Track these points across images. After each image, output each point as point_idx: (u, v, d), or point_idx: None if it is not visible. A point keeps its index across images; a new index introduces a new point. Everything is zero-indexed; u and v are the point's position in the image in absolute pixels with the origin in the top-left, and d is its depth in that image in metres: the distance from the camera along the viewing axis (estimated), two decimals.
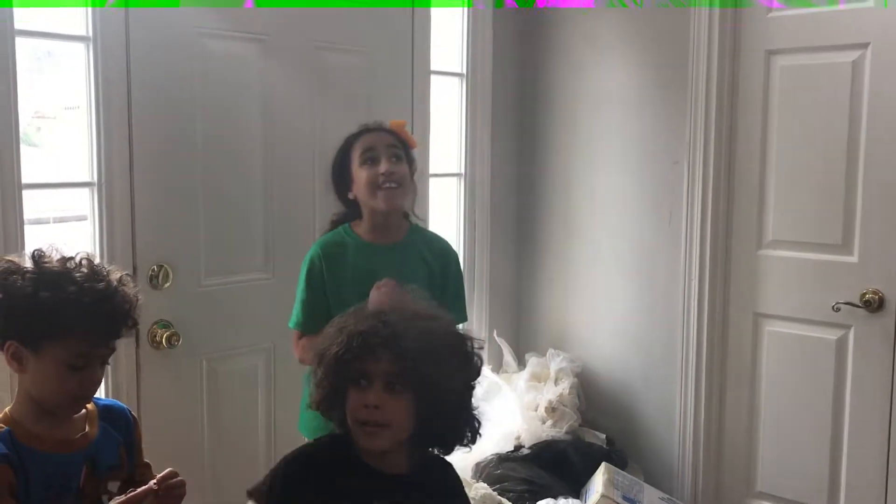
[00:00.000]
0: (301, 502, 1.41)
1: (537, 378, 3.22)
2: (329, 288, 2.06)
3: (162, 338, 2.40)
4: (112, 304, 1.47)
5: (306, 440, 2.21)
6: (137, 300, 1.54)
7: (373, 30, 2.84)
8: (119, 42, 2.28)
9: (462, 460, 2.91)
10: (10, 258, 1.49)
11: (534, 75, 3.37)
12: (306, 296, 2.08)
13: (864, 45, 2.63)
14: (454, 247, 3.19)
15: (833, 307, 2.71)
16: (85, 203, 2.32)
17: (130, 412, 1.66)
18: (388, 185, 2.03)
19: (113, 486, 1.55)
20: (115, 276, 1.51)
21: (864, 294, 2.66)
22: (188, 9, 2.38)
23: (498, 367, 3.35)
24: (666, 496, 2.91)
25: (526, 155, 3.42)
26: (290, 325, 2.12)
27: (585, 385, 3.23)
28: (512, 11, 3.28)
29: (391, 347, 1.34)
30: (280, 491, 1.44)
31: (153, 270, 2.39)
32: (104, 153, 2.28)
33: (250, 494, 1.47)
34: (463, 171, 3.25)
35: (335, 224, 2.17)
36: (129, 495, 1.44)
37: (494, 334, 3.34)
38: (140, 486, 1.46)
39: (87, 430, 1.53)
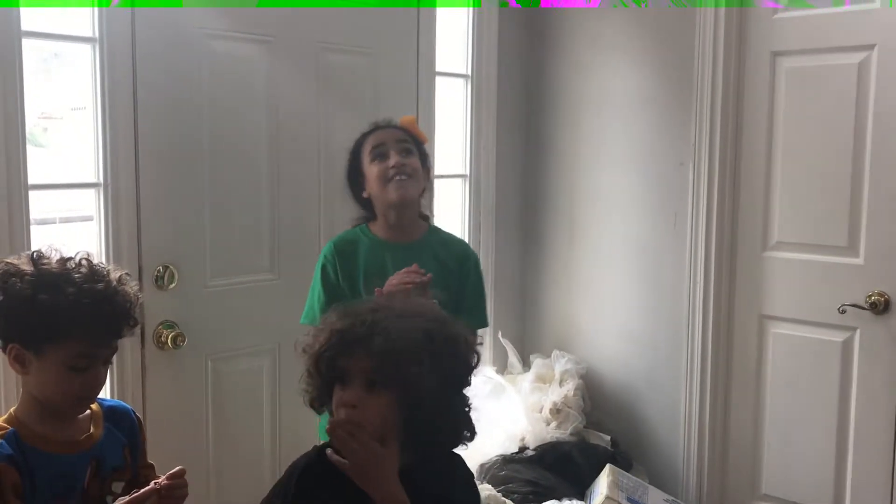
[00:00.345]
0: None
1: (542, 379, 3.22)
2: (343, 284, 2.06)
3: (167, 338, 2.40)
4: (112, 304, 1.47)
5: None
6: (138, 299, 1.53)
7: (378, 30, 2.85)
8: (125, 43, 2.28)
9: (467, 461, 2.91)
10: (9, 260, 1.49)
11: (539, 76, 3.37)
12: (320, 292, 2.08)
13: (871, 47, 2.62)
14: None
15: (839, 309, 2.70)
16: (91, 204, 2.32)
17: (135, 413, 1.66)
18: (398, 176, 2.03)
19: (117, 486, 1.55)
20: (115, 275, 1.51)
21: (870, 296, 2.65)
22: (194, 10, 2.38)
23: (502, 369, 3.34)
24: (671, 498, 2.90)
25: (531, 156, 3.42)
26: (302, 320, 2.10)
27: (590, 387, 3.23)
28: (517, 12, 3.28)
29: (367, 346, 1.34)
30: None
31: (158, 271, 2.39)
32: (110, 154, 2.29)
33: None
34: (468, 173, 3.25)
35: (354, 225, 2.17)
36: (132, 496, 1.44)
37: (499, 335, 3.33)
38: (144, 487, 1.47)
39: (91, 430, 1.54)
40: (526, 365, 3.34)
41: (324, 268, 2.09)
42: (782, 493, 2.91)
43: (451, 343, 1.41)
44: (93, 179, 2.30)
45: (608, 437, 3.12)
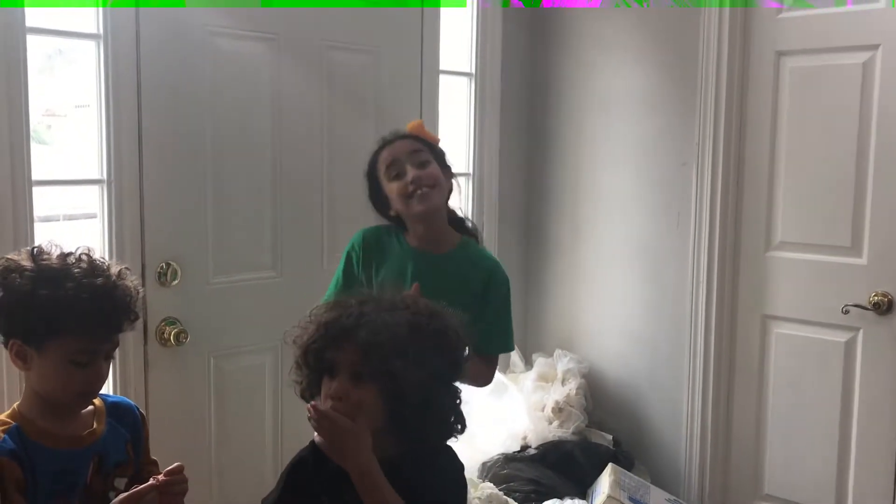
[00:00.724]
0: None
1: (544, 378, 3.22)
2: (362, 276, 2.02)
3: (170, 335, 2.40)
4: (112, 298, 1.47)
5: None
6: (138, 293, 1.53)
7: (382, 29, 2.85)
8: (129, 40, 2.29)
9: (469, 460, 2.92)
10: (9, 256, 1.49)
11: (543, 75, 3.37)
12: (339, 278, 2.05)
13: (875, 47, 2.62)
14: None
15: (842, 309, 2.70)
16: (94, 201, 2.33)
17: (138, 409, 1.66)
18: (419, 191, 1.94)
19: (120, 482, 1.55)
20: (115, 270, 1.51)
21: (873, 296, 2.65)
22: (198, 7, 2.38)
23: (505, 367, 3.34)
24: (672, 498, 2.90)
25: (534, 155, 3.42)
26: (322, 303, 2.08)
27: (592, 386, 3.22)
28: (521, 11, 3.28)
29: (353, 338, 1.35)
30: (289, 497, 1.46)
31: (162, 268, 2.40)
32: (114, 151, 2.29)
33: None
34: (471, 171, 3.25)
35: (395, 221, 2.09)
36: (132, 491, 1.44)
37: None
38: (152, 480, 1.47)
39: (94, 426, 1.54)
40: (528, 364, 3.34)
41: (348, 255, 2.06)
42: (784, 493, 2.91)
43: (439, 336, 1.41)
44: (96, 176, 2.31)
45: (610, 437, 3.12)
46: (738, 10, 2.83)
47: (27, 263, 1.46)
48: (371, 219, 2.10)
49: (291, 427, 2.70)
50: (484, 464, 2.93)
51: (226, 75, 2.48)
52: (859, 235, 2.69)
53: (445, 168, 2.03)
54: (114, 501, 1.44)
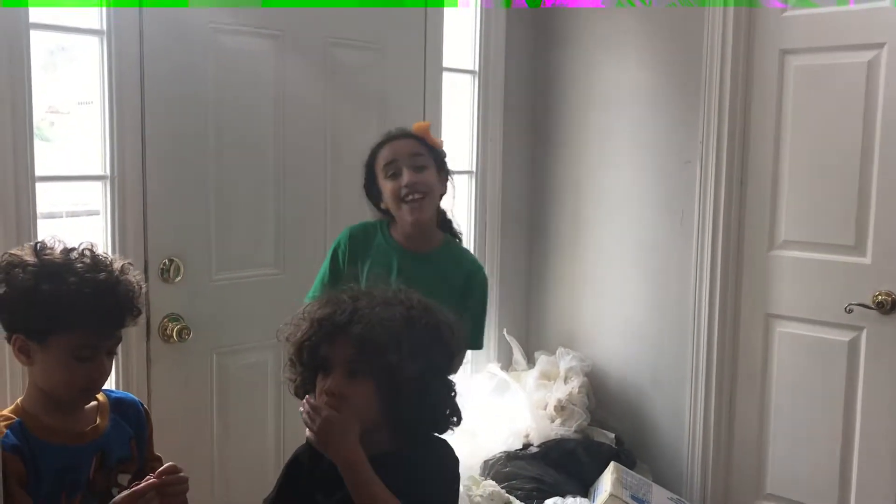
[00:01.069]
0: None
1: (547, 376, 3.21)
2: (348, 272, 2.06)
3: (172, 331, 2.40)
4: (115, 294, 1.47)
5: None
6: (141, 289, 1.53)
7: (386, 26, 2.84)
8: (133, 36, 2.28)
9: (471, 457, 2.92)
10: (13, 251, 1.49)
11: (546, 73, 3.36)
12: (326, 274, 2.10)
13: (880, 46, 2.61)
14: (465, 243, 3.21)
15: (845, 308, 2.69)
16: (97, 198, 2.32)
17: (142, 405, 1.66)
18: (411, 196, 1.99)
19: (123, 478, 1.55)
20: (118, 265, 1.51)
21: (877, 295, 2.64)
22: (202, 8, 2.38)
23: (507, 365, 3.34)
24: (675, 496, 2.90)
25: (537, 153, 3.41)
26: (306, 299, 2.09)
27: (595, 384, 3.22)
28: (525, 10, 3.27)
29: (347, 333, 1.36)
30: (286, 495, 1.47)
31: (164, 264, 2.40)
32: (117, 147, 2.29)
33: None
34: (474, 169, 3.24)
35: (379, 219, 2.15)
36: (132, 490, 1.44)
37: (504, 332, 3.33)
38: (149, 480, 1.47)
39: (97, 422, 1.54)
40: (531, 362, 3.34)
41: (334, 252, 2.11)
42: (787, 492, 2.90)
43: (433, 329, 1.42)
44: (100, 172, 2.31)
45: (612, 435, 3.12)
46: (742, 8, 2.82)
47: (30, 258, 1.46)
48: (371, 215, 2.15)
49: (294, 424, 2.68)
50: (486, 461, 2.93)
51: (229, 72, 2.48)
52: (863, 234, 2.68)
53: (443, 172, 2.08)
54: (114, 500, 1.44)
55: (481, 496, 2.71)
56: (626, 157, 3.15)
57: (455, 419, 1.46)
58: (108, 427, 1.55)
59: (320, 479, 1.42)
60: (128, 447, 1.58)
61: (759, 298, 2.91)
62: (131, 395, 1.69)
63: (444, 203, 2.12)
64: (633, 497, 2.70)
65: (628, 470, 2.87)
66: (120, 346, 1.54)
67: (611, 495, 2.67)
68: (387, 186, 2.03)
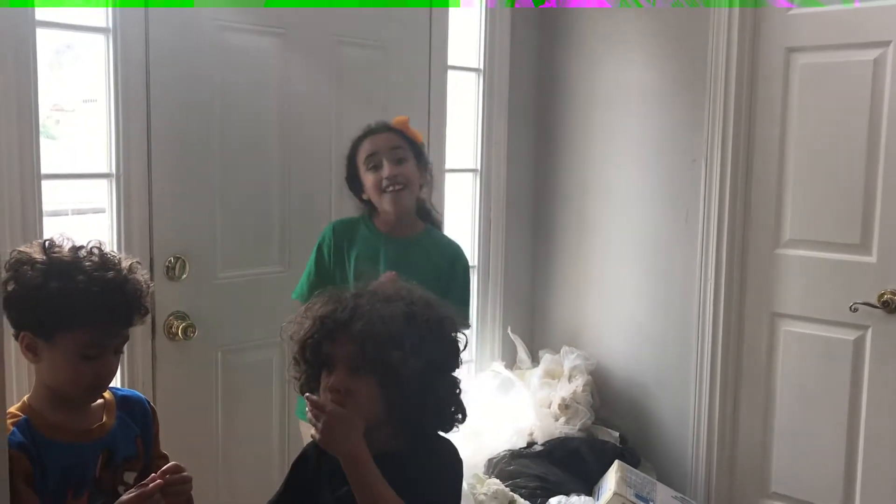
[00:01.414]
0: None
1: (551, 375, 3.21)
2: (334, 266, 2.16)
3: (178, 329, 2.41)
4: (123, 292, 1.48)
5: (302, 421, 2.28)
6: (149, 288, 1.54)
7: (391, 24, 2.84)
8: (138, 34, 2.29)
9: (475, 456, 2.92)
10: (21, 248, 1.49)
11: (551, 71, 3.36)
12: (311, 270, 2.20)
13: (886, 44, 2.60)
14: (469, 241, 3.23)
15: (850, 307, 2.69)
16: (102, 195, 2.33)
17: (148, 403, 1.66)
18: (391, 188, 2.11)
19: (129, 476, 1.55)
20: (126, 264, 1.51)
21: (883, 294, 2.64)
22: (207, 8, 2.38)
23: (512, 364, 3.34)
24: (679, 495, 2.89)
25: (542, 151, 3.41)
26: (293, 296, 2.22)
27: (599, 383, 3.22)
28: (530, 8, 3.27)
29: (349, 330, 1.36)
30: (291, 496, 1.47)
31: (170, 262, 2.40)
32: (122, 145, 2.29)
33: None
34: (479, 167, 3.24)
35: (361, 213, 2.26)
36: (140, 492, 1.43)
37: (508, 330, 3.33)
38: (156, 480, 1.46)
39: (104, 420, 1.54)
40: (535, 360, 3.34)
41: (319, 247, 2.21)
42: (791, 491, 2.90)
43: (435, 325, 1.42)
44: (105, 170, 2.31)
45: (617, 434, 3.12)
46: (747, 8, 2.82)
47: (39, 256, 1.46)
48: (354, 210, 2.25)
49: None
50: (490, 460, 2.93)
51: (235, 71, 2.48)
52: (869, 233, 2.68)
53: (422, 164, 2.20)
54: (120, 500, 1.44)
55: (485, 494, 2.71)
56: (631, 155, 3.15)
57: (459, 416, 1.46)
58: (114, 425, 1.55)
59: (327, 476, 1.42)
60: (134, 445, 1.58)
61: (764, 297, 2.91)
62: (137, 393, 1.69)
63: (424, 193, 2.24)
64: (637, 496, 2.70)
65: (632, 468, 2.87)
66: (126, 344, 1.54)
67: (615, 494, 2.67)
68: (368, 178, 2.15)
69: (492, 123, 3.22)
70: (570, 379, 3.16)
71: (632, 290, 3.19)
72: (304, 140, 2.66)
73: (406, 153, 2.16)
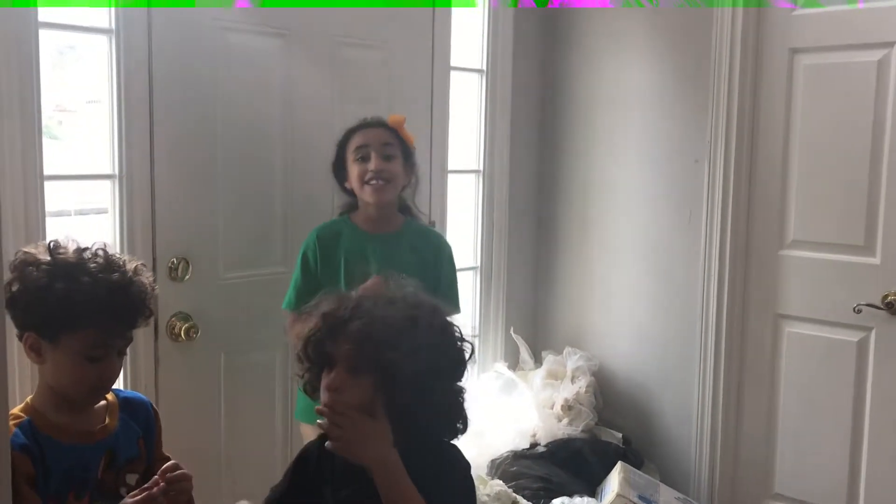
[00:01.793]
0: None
1: (554, 376, 3.21)
2: (321, 271, 2.19)
3: (181, 330, 2.41)
4: (127, 294, 1.48)
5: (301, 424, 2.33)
6: (153, 290, 1.54)
7: (393, 25, 2.84)
8: (141, 34, 2.29)
9: (478, 457, 2.92)
10: (26, 249, 1.50)
11: (554, 71, 3.35)
12: (298, 278, 2.23)
13: (890, 45, 2.59)
14: (472, 242, 3.24)
15: (854, 309, 2.68)
16: (105, 196, 2.33)
17: (151, 405, 1.66)
18: (374, 181, 2.16)
19: (131, 478, 1.56)
20: (131, 266, 1.51)
21: (887, 296, 2.63)
22: (209, 8, 2.39)
23: (514, 365, 3.34)
24: (682, 496, 2.89)
25: (545, 152, 3.41)
26: (283, 306, 2.25)
27: (602, 384, 3.22)
28: (533, 9, 3.27)
29: (348, 330, 1.36)
30: (293, 486, 1.46)
31: (173, 263, 2.40)
32: (125, 146, 2.29)
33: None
34: (481, 168, 3.24)
35: (340, 215, 2.33)
36: (144, 495, 1.43)
37: (511, 331, 3.33)
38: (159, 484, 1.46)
39: (107, 421, 1.54)
40: (538, 361, 3.34)
41: (304, 255, 2.24)
42: (795, 492, 2.89)
43: (438, 331, 1.41)
44: (108, 171, 2.31)
45: (620, 435, 3.11)
46: (751, 8, 2.81)
47: (44, 257, 1.46)
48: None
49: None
50: (493, 461, 2.93)
51: (237, 71, 2.48)
52: (873, 234, 2.67)
53: (409, 165, 2.26)
54: (123, 502, 1.44)
55: (488, 496, 2.70)
56: (634, 156, 3.14)
57: (461, 426, 1.43)
58: (116, 426, 1.55)
59: (328, 475, 1.41)
60: (136, 447, 1.58)
61: (768, 298, 2.90)
62: (140, 395, 1.69)
63: (407, 197, 2.32)
64: (640, 497, 2.70)
65: (636, 470, 2.87)
66: (129, 345, 1.54)
67: (618, 495, 2.66)
68: (354, 169, 2.20)
69: (494, 124, 3.22)
70: (572, 380, 3.16)
71: (635, 291, 3.18)
72: (307, 141, 2.66)
73: (395, 151, 2.21)
